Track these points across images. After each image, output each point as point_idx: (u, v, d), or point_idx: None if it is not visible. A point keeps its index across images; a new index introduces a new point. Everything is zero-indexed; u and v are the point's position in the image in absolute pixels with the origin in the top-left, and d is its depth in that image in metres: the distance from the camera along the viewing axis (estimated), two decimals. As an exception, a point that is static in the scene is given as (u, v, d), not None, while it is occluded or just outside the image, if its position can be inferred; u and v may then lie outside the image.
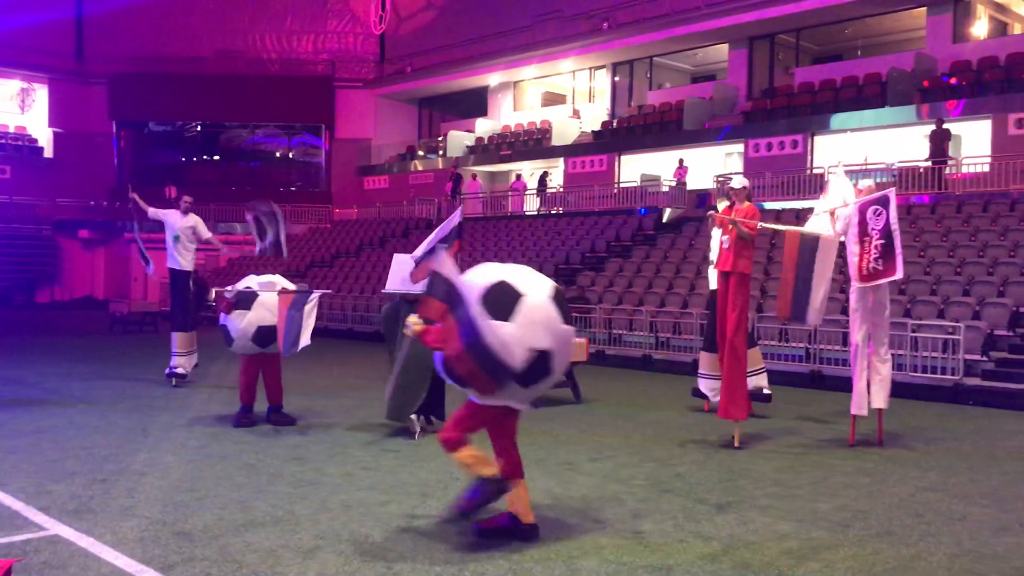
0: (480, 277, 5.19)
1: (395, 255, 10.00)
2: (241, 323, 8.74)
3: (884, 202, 8.27)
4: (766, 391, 10.24)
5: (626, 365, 15.99)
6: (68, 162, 37.48)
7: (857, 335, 8.71)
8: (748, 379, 10.09)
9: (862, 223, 8.37)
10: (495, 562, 4.89)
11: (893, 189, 8.52)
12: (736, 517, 5.91)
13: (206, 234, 12.28)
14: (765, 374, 10.39)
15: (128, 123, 39.28)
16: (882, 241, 8.20)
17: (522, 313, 5.05)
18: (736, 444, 8.36)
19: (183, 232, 11.99)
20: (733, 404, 8.33)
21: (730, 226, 8.26)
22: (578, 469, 7.33)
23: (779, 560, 5.03)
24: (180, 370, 11.98)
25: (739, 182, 8.67)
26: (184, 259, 12.02)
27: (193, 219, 12.10)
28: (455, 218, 8.37)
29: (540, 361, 5.11)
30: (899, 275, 8.31)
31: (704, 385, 10.37)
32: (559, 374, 5.44)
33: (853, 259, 8.51)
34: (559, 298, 5.29)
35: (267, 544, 5.14)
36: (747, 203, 8.44)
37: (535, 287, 5.21)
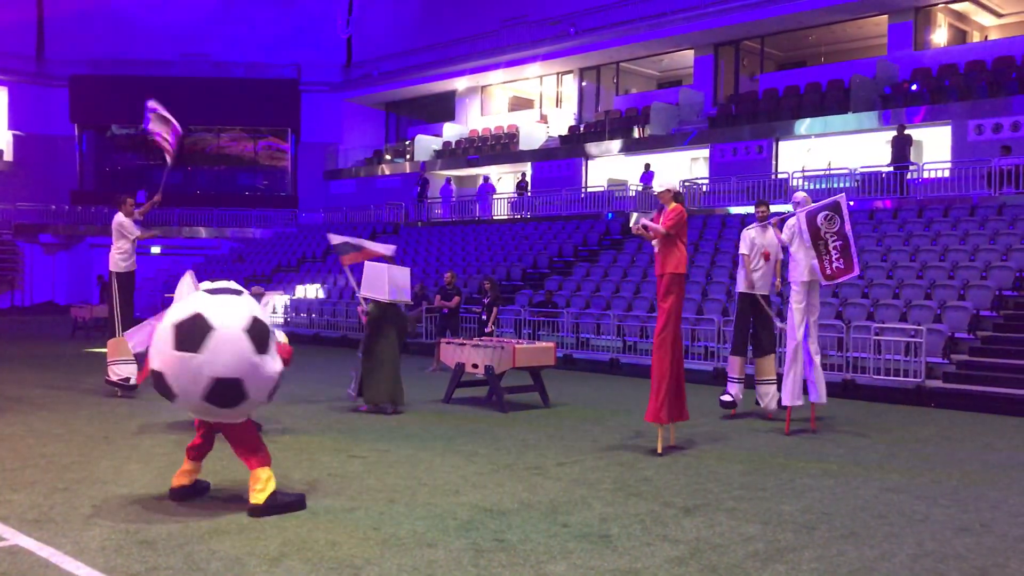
0: (179, 310, 5.73)
1: (367, 263, 10.37)
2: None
3: (835, 208, 9.09)
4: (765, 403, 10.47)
5: (593, 369, 16.04)
6: (29, 166, 36.93)
7: (798, 331, 9.49)
8: (756, 387, 10.44)
9: (812, 228, 9.11)
10: (463, 568, 4.88)
11: (843, 195, 9.34)
12: (703, 520, 5.94)
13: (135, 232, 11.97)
14: (774, 385, 10.49)
15: (90, 126, 38.78)
16: (839, 242, 9.03)
17: (211, 345, 5.52)
18: (659, 450, 8.19)
19: (135, 235, 11.82)
20: (656, 406, 8.21)
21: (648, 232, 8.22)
22: (546, 473, 7.33)
23: (745, 562, 5.06)
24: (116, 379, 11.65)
25: (660, 185, 8.55)
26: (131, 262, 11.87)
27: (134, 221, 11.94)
28: (378, 248, 9.40)
29: (230, 387, 5.60)
30: (856, 272, 9.35)
31: (733, 389, 10.68)
32: (260, 398, 5.86)
33: (811, 262, 9.25)
34: (254, 330, 5.69)
35: (233, 552, 5.08)
36: (673, 204, 8.26)
37: (230, 319, 5.64)
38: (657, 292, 8.40)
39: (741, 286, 10.57)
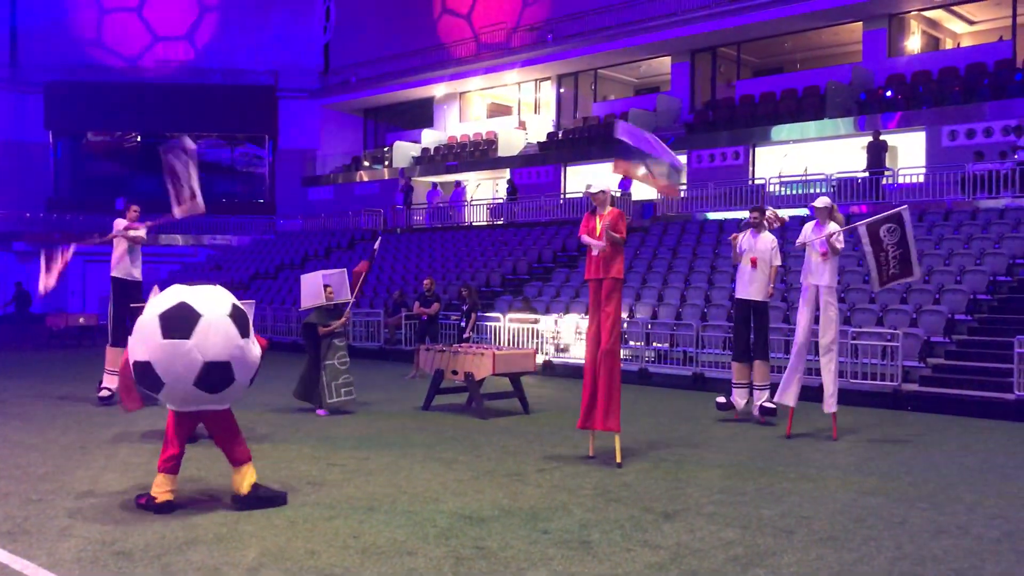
0: (162, 300, 6.02)
1: (302, 276, 10.77)
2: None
3: (897, 219, 9.31)
4: (768, 404, 10.50)
5: (574, 375, 16.02)
6: (3, 173, 36.50)
7: (802, 334, 9.70)
8: (756, 393, 10.46)
9: (875, 239, 9.36)
10: None
11: (906, 208, 9.45)
12: (683, 525, 5.95)
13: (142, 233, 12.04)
14: (768, 391, 10.55)
15: (65, 133, 38.38)
16: (900, 251, 9.34)
17: (200, 331, 5.80)
18: (618, 460, 7.94)
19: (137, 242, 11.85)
20: (611, 415, 7.98)
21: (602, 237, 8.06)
22: (526, 480, 7.32)
23: (725, 567, 5.08)
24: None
25: (596, 187, 8.26)
26: (137, 269, 11.90)
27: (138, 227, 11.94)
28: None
29: (220, 371, 5.91)
30: (916, 276, 9.63)
31: (736, 394, 10.73)
32: (244, 382, 6.18)
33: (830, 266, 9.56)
34: (236, 315, 6.05)
35: (210, 562, 5.04)
36: (609, 208, 8.09)
37: (213, 306, 5.97)
38: (600, 296, 8.11)
39: (737, 291, 10.72)
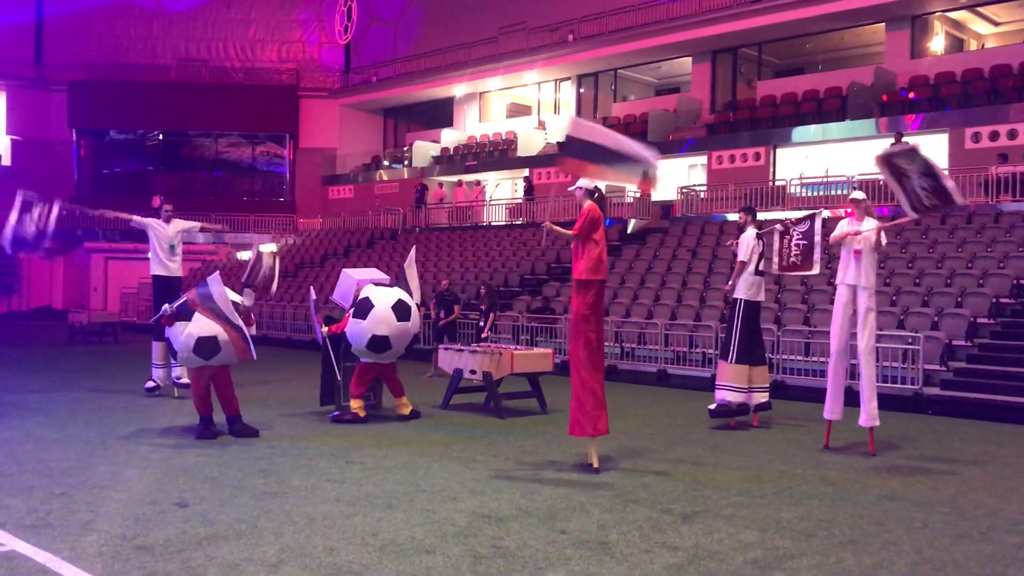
0: (380, 297, 10.02)
1: (344, 270, 10.74)
2: (182, 335, 8.71)
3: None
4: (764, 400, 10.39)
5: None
6: (26, 170, 36.82)
7: (839, 339, 9.09)
8: (752, 395, 10.25)
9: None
10: (461, 575, 4.87)
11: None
12: (701, 527, 5.94)
13: (199, 235, 12.45)
14: (767, 393, 10.43)
15: (88, 131, 38.69)
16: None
17: (371, 315, 9.87)
18: (595, 464, 7.68)
19: (176, 240, 12.07)
20: (585, 418, 7.61)
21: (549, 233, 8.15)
22: (544, 480, 7.33)
23: (744, 570, 5.06)
24: (185, 379, 11.70)
25: (574, 186, 8.12)
26: (176, 265, 12.10)
27: (178, 224, 12.19)
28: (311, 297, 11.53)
29: (382, 341, 9.92)
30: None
31: (732, 396, 10.42)
32: (399, 349, 10.17)
33: (866, 264, 8.87)
34: (398, 307, 10.00)
35: (230, 558, 5.07)
36: (588, 203, 7.90)
37: (383, 301, 9.97)
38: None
39: (739, 292, 10.39)
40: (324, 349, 10.79)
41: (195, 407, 9.14)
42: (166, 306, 9.01)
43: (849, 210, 9.37)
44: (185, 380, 11.63)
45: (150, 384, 12.26)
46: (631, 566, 5.08)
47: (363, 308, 9.93)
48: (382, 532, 5.66)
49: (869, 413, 8.80)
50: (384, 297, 10.03)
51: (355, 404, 10.16)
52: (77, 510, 6.04)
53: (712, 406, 10.37)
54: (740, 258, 10.21)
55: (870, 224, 8.89)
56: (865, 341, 8.81)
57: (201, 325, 8.67)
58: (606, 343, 16.24)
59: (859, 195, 9.15)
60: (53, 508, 6.08)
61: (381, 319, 9.83)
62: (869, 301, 8.80)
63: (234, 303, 8.90)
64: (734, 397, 10.25)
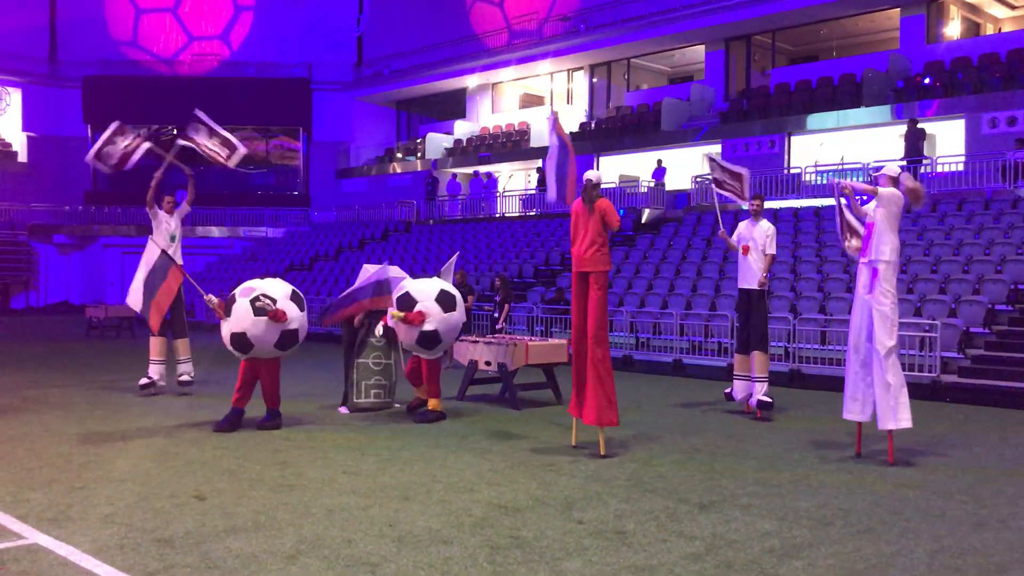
0: (423, 290, 9.70)
1: (365, 264, 10.58)
2: (223, 330, 8.86)
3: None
4: (765, 398, 10.24)
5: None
6: (42, 166, 37.14)
7: (855, 329, 8.15)
8: (755, 385, 10.20)
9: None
10: (479, 565, 4.89)
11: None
12: (718, 516, 5.93)
13: (214, 229, 12.48)
14: (767, 384, 10.36)
15: (103, 126, 38.65)
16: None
17: (457, 309, 9.72)
18: (602, 452, 7.85)
19: (177, 231, 12.11)
20: (604, 408, 7.82)
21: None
22: (560, 470, 7.33)
23: (761, 559, 5.05)
24: (185, 377, 11.76)
25: (585, 178, 8.19)
26: (176, 256, 12.04)
27: (177, 216, 12.24)
28: (381, 274, 10.25)
29: (432, 336, 9.58)
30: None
31: (737, 387, 10.48)
32: (448, 341, 9.94)
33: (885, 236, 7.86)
34: (441, 298, 9.64)
35: (249, 550, 5.11)
36: (599, 196, 8.02)
37: (426, 294, 9.64)
38: (579, 290, 8.07)
39: (754, 283, 10.35)
40: (346, 344, 10.69)
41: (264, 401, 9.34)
42: (210, 296, 9.15)
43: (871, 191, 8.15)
44: (186, 378, 11.72)
45: (144, 381, 11.80)
46: (648, 556, 5.08)
47: (406, 304, 9.56)
48: (399, 523, 5.68)
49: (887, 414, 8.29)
50: (426, 289, 9.66)
51: (435, 403, 9.85)
52: (97, 503, 6.09)
53: (766, 399, 10.20)
54: (770, 251, 10.20)
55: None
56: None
57: (234, 320, 8.75)
58: (621, 333, 16.36)
59: (892, 167, 8.22)
60: (74, 502, 6.13)
61: (427, 313, 9.49)
62: (886, 284, 7.86)
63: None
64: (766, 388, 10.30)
